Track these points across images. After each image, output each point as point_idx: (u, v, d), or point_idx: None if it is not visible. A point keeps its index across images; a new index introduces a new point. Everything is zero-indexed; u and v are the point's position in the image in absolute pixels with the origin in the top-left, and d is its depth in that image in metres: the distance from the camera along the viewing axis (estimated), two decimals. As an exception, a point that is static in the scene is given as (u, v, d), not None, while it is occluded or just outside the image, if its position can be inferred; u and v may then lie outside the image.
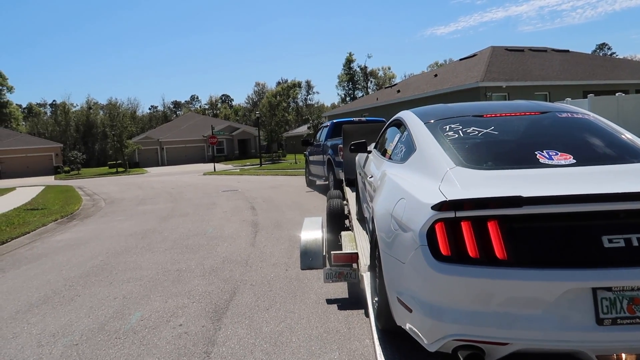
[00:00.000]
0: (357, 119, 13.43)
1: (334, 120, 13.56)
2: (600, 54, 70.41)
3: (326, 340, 3.66)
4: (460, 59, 29.98)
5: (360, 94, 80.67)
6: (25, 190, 22.83)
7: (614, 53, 76.75)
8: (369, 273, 4.12)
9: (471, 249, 2.15)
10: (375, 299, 3.30)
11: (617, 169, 2.57)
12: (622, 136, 3.06)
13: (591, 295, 2.08)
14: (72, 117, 70.27)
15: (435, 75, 28.68)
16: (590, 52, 48.16)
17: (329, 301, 4.53)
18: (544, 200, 2.11)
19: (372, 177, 4.19)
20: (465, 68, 25.69)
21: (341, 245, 5.55)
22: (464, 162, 2.71)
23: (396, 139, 3.99)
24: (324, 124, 14.10)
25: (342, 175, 11.17)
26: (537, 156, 2.68)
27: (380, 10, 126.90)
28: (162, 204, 13.57)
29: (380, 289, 3.00)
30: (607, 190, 2.11)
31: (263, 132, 46.34)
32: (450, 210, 2.18)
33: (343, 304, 4.44)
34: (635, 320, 2.06)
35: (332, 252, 4.61)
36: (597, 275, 2.05)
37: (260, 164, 37.17)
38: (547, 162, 2.61)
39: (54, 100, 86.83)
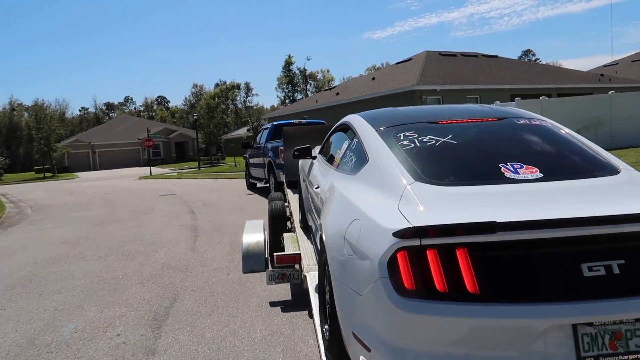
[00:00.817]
0: (297, 121, 13.49)
1: (274, 123, 13.53)
2: (526, 60, 74.84)
3: (270, 342, 3.66)
4: (397, 63, 30.85)
5: (299, 96, 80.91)
6: (-61, 199, 21.03)
7: (538, 59, 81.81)
8: (312, 273, 4.16)
9: (438, 282, 1.90)
10: (326, 326, 2.95)
11: (587, 184, 2.39)
12: (583, 146, 2.88)
13: (571, 332, 1.89)
14: (-7, 120, 65.50)
15: (373, 79, 29.32)
16: (516, 58, 51.01)
17: (272, 304, 4.52)
18: (521, 225, 1.90)
19: (318, 187, 3.80)
20: (402, 72, 26.45)
21: (283, 247, 5.57)
22: (423, 176, 2.46)
23: (344, 146, 3.66)
24: (264, 126, 14.04)
25: (283, 178, 11.18)
26: (502, 169, 2.46)
27: (318, 13, 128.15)
28: (95, 210, 12.97)
29: (331, 318, 2.63)
30: (589, 213, 1.95)
31: (201, 134, 45.39)
32: (415, 238, 1.92)
33: (286, 306, 4.46)
34: (618, 357, 1.89)
35: (274, 253, 4.61)
36: (578, 310, 1.86)
37: (199, 167, 36.38)
38: (512, 177, 2.40)
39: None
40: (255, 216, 9.56)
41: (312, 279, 4.01)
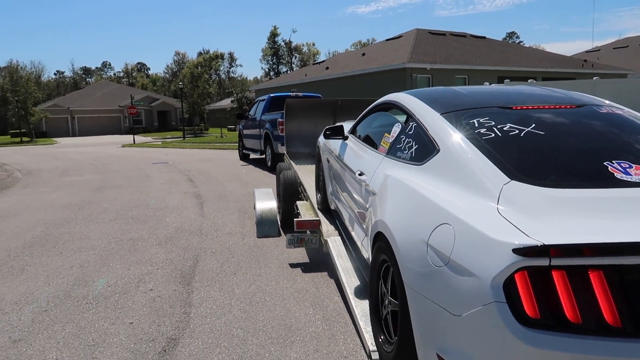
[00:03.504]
0: (293, 93, 13.58)
1: (271, 95, 13.61)
2: (510, 42, 75.38)
3: (298, 298, 3.94)
4: (387, 40, 30.85)
5: (284, 69, 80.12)
6: None
7: (522, 41, 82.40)
8: (332, 238, 4.44)
9: (570, 311, 1.59)
10: (382, 337, 2.70)
11: None
12: None
13: None
14: (-35, 80, 63.25)
15: (363, 54, 29.35)
16: (500, 40, 51.41)
17: (292, 265, 4.79)
18: None
19: (361, 174, 3.35)
20: (392, 49, 26.54)
21: (299, 214, 5.83)
22: (518, 173, 2.09)
23: (396, 130, 3.27)
24: (260, 98, 14.11)
25: (281, 149, 11.36)
26: (609, 169, 2.08)
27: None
28: (88, 175, 12.96)
29: (402, 332, 2.31)
30: None
31: (185, 104, 44.80)
32: (542, 257, 1.60)
33: (306, 267, 4.73)
34: None
35: (295, 219, 4.86)
36: None
37: (184, 137, 36.09)
38: (625, 179, 2.02)
39: (-59, 60, 77.40)
40: (255, 185, 9.79)
41: (333, 244, 4.30)
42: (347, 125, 4.54)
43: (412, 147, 2.87)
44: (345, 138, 4.29)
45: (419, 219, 2.26)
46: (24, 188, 10.95)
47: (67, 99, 55.97)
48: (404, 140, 3.04)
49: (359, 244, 3.55)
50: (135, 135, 36.88)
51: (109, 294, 4.08)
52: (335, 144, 4.54)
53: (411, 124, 3.03)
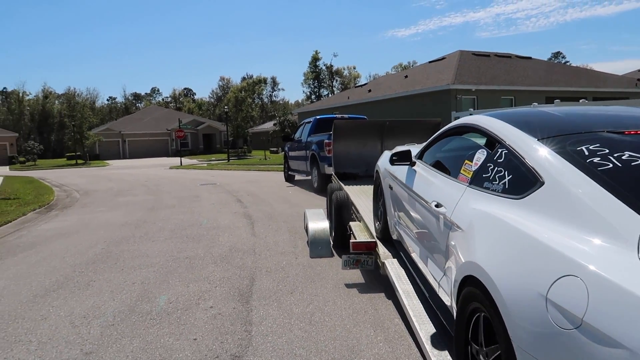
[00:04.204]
0: (339, 115, 13.70)
1: (317, 117, 13.80)
2: (556, 62, 73.69)
3: (357, 320, 3.90)
4: (430, 62, 30.81)
5: (325, 92, 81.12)
6: (-16, 180, 21.87)
7: (568, 61, 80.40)
8: (390, 260, 4.41)
9: None
10: None
11: None
12: None
13: None
14: (27, 106, 67.49)
15: (406, 77, 29.38)
16: (546, 60, 50.37)
17: (348, 285, 4.77)
18: None
19: (438, 205, 2.99)
20: (436, 70, 26.46)
21: (352, 235, 5.82)
22: None
23: (480, 156, 2.91)
24: (306, 120, 14.31)
25: (328, 170, 11.44)
26: None
27: (343, 9, 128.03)
28: (141, 196, 13.42)
29: None
30: None
31: (229, 127, 45.99)
32: None
33: (362, 288, 4.69)
34: None
35: (350, 241, 4.86)
36: None
37: (228, 159, 36.93)
38: None
39: (4, 88, 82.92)
40: (302, 206, 9.86)
41: (391, 266, 4.27)
42: (413, 150, 4.19)
43: (505, 178, 2.50)
44: (413, 164, 3.91)
45: (529, 265, 1.88)
46: (82, 208, 11.44)
47: (119, 123, 58.64)
48: (492, 169, 2.67)
49: (433, 282, 3.18)
50: (182, 158, 38.04)
51: (171, 310, 4.18)
52: (400, 170, 4.13)
53: (500, 150, 2.67)
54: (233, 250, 6.32)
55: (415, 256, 3.70)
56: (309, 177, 13.54)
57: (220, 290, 4.70)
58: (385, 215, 4.77)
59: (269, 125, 57.49)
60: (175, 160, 38.99)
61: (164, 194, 13.52)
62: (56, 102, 71.33)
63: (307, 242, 6.57)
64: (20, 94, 68.31)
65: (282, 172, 17.01)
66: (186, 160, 39.28)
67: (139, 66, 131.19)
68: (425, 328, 3.25)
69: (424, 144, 4.03)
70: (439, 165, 3.57)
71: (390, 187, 4.47)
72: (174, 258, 5.99)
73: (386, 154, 5.04)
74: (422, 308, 3.53)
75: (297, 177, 15.66)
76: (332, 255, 5.82)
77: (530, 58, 31.29)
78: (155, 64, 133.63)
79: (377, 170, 5.20)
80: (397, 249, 4.54)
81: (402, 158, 3.91)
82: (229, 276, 5.15)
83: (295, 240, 6.76)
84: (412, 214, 3.70)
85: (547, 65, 30.98)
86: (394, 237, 4.52)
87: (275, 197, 11.87)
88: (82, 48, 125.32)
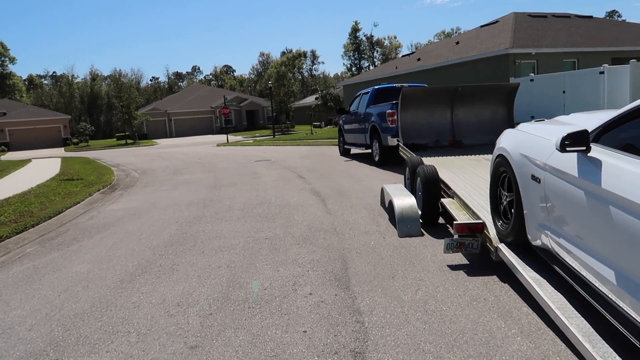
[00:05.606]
0: (398, 84, 13.06)
1: (376, 87, 13.20)
2: (619, 20, 69.00)
3: (479, 308, 3.48)
4: (482, 26, 29.25)
5: (366, 64, 79.48)
6: (43, 162, 22.57)
7: (624, 20, 75.22)
8: (502, 245, 3.94)
9: None
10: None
11: None
12: None
13: None
14: (76, 89, 69.54)
15: (457, 43, 28.02)
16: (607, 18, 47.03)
17: (452, 267, 4.33)
18: None
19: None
20: (490, 35, 25.05)
21: (442, 212, 5.35)
22: None
23: None
24: (363, 91, 13.73)
25: (390, 142, 10.92)
26: None
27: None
28: (199, 174, 13.34)
29: None
30: None
31: (273, 102, 45.75)
32: None
33: (469, 270, 4.25)
34: None
35: (454, 222, 4.41)
36: None
37: (274, 135, 36.81)
38: None
39: (54, 72, 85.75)
40: (367, 181, 9.46)
41: (507, 251, 3.84)
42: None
43: None
44: (588, 149, 2.86)
45: None
46: (145, 187, 11.42)
47: (164, 102, 59.50)
48: None
49: None
50: (227, 135, 38.22)
51: (268, 298, 3.88)
52: (563, 158, 3.08)
53: None
54: (312, 229, 5.98)
55: (600, 284, 2.69)
56: (368, 150, 13.06)
57: (314, 274, 4.37)
58: (520, 212, 3.73)
59: (310, 100, 56.93)
60: (221, 138, 39.22)
61: (220, 172, 13.38)
62: (103, 84, 73.12)
63: (389, 219, 6.17)
64: (70, 78, 70.43)
65: (335, 147, 16.60)
66: (232, 137, 39.46)
67: (180, 46, 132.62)
68: (575, 322, 2.81)
69: (602, 123, 2.92)
70: None
71: (536, 179, 3.45)
72: (253, 239, 5.71)
73: (511, 133, 4.17)
74: (564, 298, 3.09)
75: (353, 150, 15.21)
76: (422, 235, 5.38)
77: (591, 17, 29.15)
78: (195, 43, 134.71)
79: (500, 154, 4.10)
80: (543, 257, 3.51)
81: (576, 141, 2.86)
82: (318, 258, 4.81)
83: (375, 218, 6.35)
84: (594, 220, 2.72)
85: (611, 24, 28.81)
86: (537, 243, 3.55)
87: (336, 172, 11.47)
88: (125, 31, 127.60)
